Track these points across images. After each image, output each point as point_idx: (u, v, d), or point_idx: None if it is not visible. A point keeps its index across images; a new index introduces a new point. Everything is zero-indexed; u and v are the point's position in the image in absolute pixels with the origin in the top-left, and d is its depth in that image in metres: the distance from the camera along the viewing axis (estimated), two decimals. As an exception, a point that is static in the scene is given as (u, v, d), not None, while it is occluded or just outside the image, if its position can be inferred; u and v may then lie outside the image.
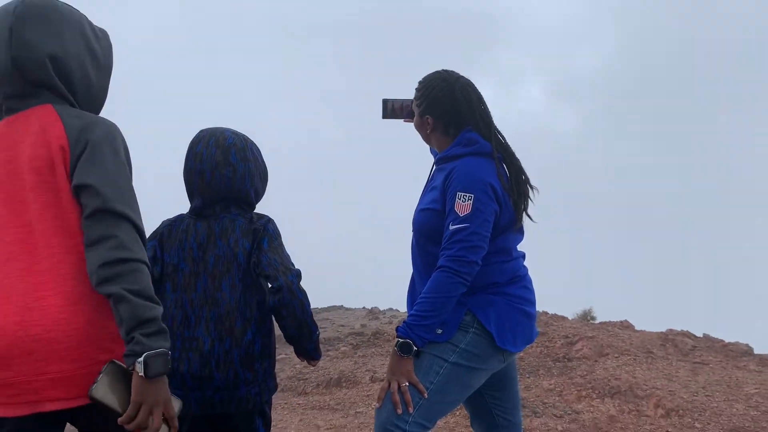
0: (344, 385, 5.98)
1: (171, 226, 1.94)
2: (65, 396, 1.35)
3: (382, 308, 11.78)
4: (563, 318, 7.87)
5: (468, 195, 1.87)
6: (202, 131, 1.97)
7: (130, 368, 1.33)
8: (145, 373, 1.31)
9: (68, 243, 1.38)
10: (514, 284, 2.02)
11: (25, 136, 1.40)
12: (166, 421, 1.39)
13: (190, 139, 1.97)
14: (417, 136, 2.22)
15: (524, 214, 2.02)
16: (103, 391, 1.35)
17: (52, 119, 1.40)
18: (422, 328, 1.86)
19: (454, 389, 1.94)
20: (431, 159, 2.34)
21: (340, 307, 12.63)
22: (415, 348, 1.86)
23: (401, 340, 1.87)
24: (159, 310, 1.33)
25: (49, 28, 1.43)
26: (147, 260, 1.35)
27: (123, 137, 1.45)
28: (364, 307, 12.29)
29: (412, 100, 2.34)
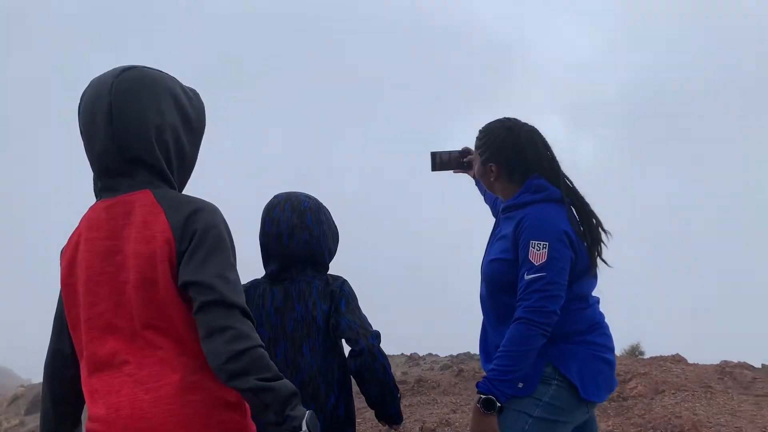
0: (394, 437, 5.84)
1: (247, 291, 1.93)
2: None
3: (421, 354, 11.59)
4: (611, 355, 7.66)
5: (542, 243, 1.84)
6: (276, 196, 1.98)
7: None
8: None
9: (171, 337, 1.37)
10: (594, 331, 1.97)
11: (128, 228, 1.37)
12: None
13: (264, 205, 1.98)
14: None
15: (598, 258, 1.97)
16: None
17: (154, 210, 1.37)
18: (504, 383, 1.81)
19: None
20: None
21: (378, 354, 12.44)
22: (498, 404, 1.81)
23: (483, 396, 1.82)
24: (290, 383, 1.34)
25: (146, 102, 1.40)
26: (263, 343, 1.34)
27: (223, 219, 1.42)
28: (402, 354, 12.11)
29: (459, 151, 2.34)
